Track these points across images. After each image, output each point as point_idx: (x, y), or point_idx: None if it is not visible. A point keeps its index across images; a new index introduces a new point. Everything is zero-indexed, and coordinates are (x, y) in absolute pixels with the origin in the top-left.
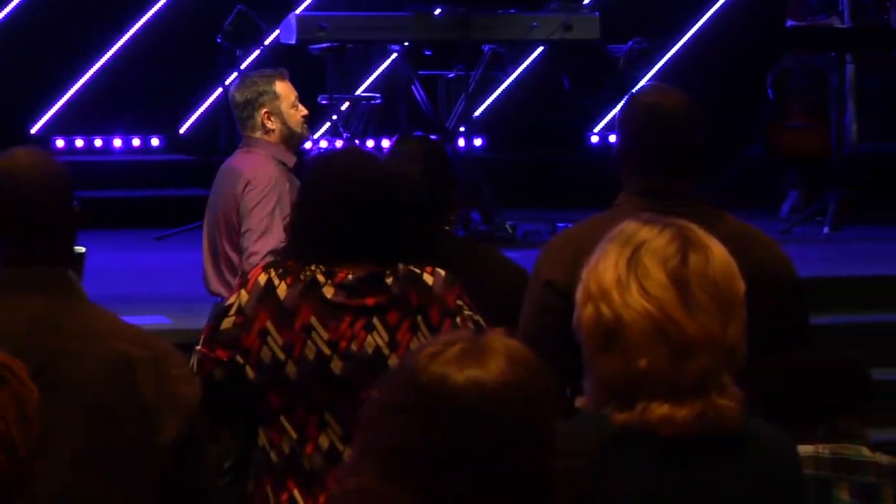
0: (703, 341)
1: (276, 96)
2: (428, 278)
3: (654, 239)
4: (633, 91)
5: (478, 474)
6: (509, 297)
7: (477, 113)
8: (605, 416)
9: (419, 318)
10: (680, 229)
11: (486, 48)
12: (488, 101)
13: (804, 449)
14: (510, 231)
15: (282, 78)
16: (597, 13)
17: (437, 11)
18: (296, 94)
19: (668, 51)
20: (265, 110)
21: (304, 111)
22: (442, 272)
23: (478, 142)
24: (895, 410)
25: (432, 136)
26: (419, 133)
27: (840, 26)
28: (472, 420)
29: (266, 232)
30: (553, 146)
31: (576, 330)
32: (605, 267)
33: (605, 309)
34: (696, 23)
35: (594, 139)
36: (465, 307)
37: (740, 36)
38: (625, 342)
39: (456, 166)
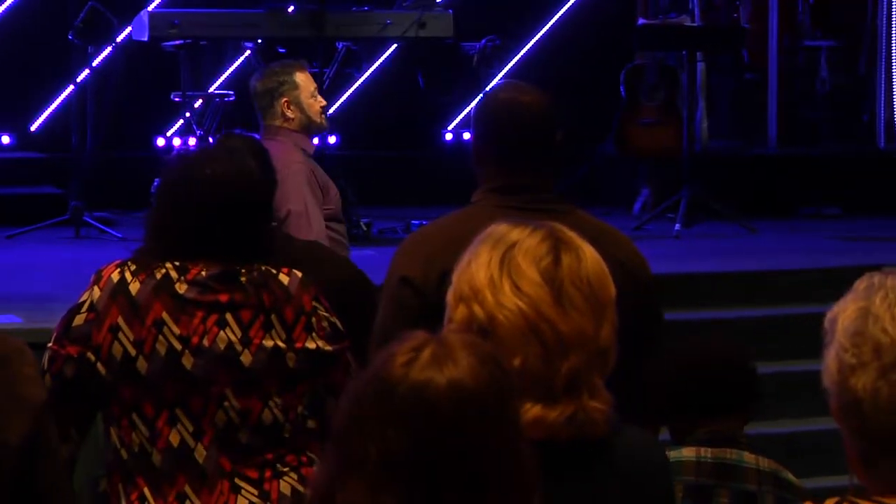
0: (576, 340)
1: (295, 86)
2: (283, 278)
3: (526, 239)
4: (488, 88)
5: (466, 475)
6: (347, 296)
7: (331, 111)
8: None
9: (273, 316)
10: (551, 230)
11: (339, 45)
12: (342, 99)
13: (687, 453)
14: (365, 229)
15: (301, 69)
16: (450, 11)
17: (291, 8)
18: (315, 85)
19: (522, 48)
20: (285, 99)
21: (323, 101)
22: (298, 273)
23: (332, 139)
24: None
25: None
26: (239, 130)
27: (690, 25)
28: (455, 422)
29: (310, 211)
30: (408, 144)
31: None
32: (477, 267)
33: (477, 309)
34: (550, 20)
35: (448, 137)
36: (320, 308)
37: (593, 34)
38: (497, 342)
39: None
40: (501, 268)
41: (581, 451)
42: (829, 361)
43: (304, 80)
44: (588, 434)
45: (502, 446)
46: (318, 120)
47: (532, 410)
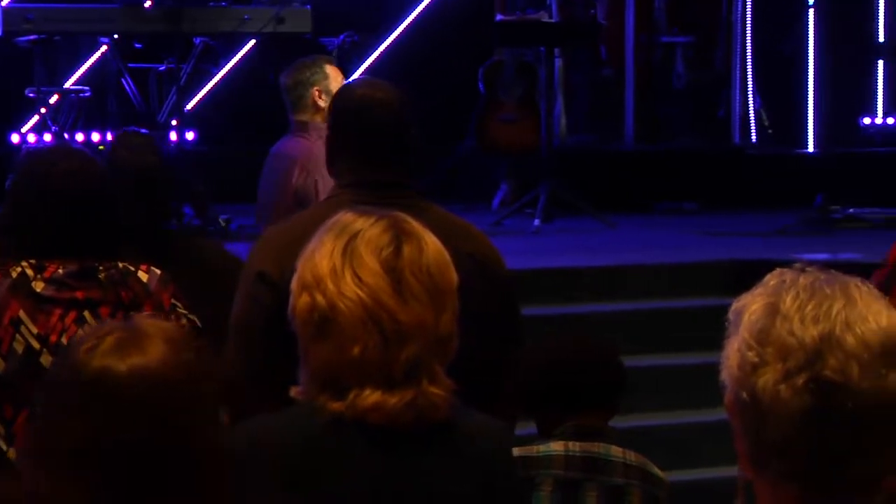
0: (415, 329)
1: (325, 76)
2: (142, 276)
3: (369, 229)
4: (344, 84)
5: (154, 463)
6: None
7: (189, 106)
8: (319, 406)
9: (132, 313)
10: (395, 220)
11: (197, 41)
12: (200, 95)
13: (555, 446)
14: (223, 225)
15: (330, 62)
16: (308, 6)
17: (148, 3)
18: (343, 78)
19: (381, 44)
20: (316, 88)
21: None
22: (157, 271)
23: (190, 135)
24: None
25: (143, 131)
26: (134, 128)
27: (548, 21)
28: (140, 409)
29: None
30: (267, 139)
31: (291, 320)
32: (320, 257)
33: (319, 298)
34: (408, 16)
35: None
36: (179, 306)
37: (451, 30)
38: (338, 330)
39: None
40: (343, 257)
41: (423, 434)
42: (731, 355)
43: (332, 71)
44: (429, 418)
45: (193, 433)
46: None
47: (371, 396)
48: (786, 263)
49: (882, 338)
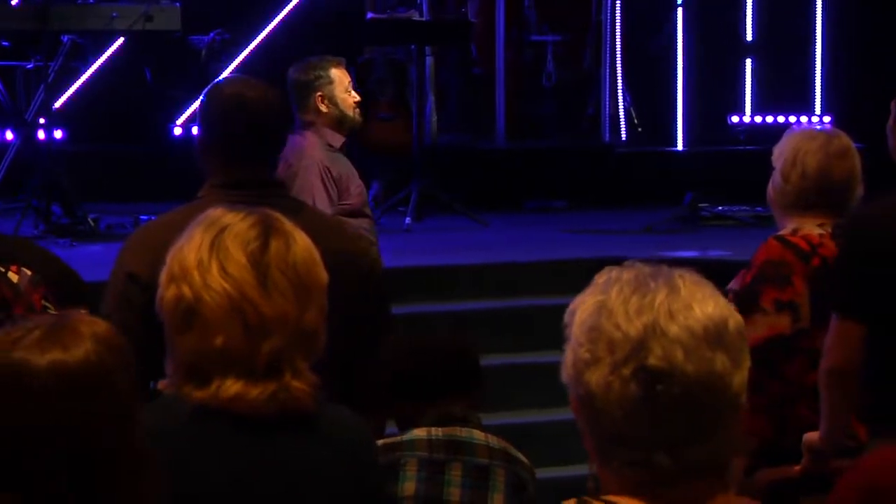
0: (278, 322)
1: (330, 80)
2: (13, 276)
3: (238, 223)
4: (214, 82)
5: (68, 458)
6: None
7: (57, 104)
8: (184, 396)
9: (3, 315)
10: (264, 216)
11: (65, 38)
12: (69, 93)
13: (418, 433)
14: (92, 224)
15: (338, 64)
16: (178, 4)
17: (14, 1)
18: (350, 80)
19: (251, 42)
20: (319, 94)
21: (357, 97)
22: (28, 272)
23: (58, 134)
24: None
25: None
26: None
27: (418, 19)
28: (58, 403)
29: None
30: (136, 138)
31: (158, 312)
32: (188, 249)
33: (185, 289)
34: (279, 14)
35: (178, 131)
36: (50, 308)
37: (322, 28)
38: (203, 321)
39: (37, 158)
40: (211, 250)
41: (286, 424)
42: (567, 356)
43: (339, 75)
44: (292, 409)
45: (106, 432)
46: (352, 114)
47: (234, 387)
48: (655, 261)
49: (706, 323)
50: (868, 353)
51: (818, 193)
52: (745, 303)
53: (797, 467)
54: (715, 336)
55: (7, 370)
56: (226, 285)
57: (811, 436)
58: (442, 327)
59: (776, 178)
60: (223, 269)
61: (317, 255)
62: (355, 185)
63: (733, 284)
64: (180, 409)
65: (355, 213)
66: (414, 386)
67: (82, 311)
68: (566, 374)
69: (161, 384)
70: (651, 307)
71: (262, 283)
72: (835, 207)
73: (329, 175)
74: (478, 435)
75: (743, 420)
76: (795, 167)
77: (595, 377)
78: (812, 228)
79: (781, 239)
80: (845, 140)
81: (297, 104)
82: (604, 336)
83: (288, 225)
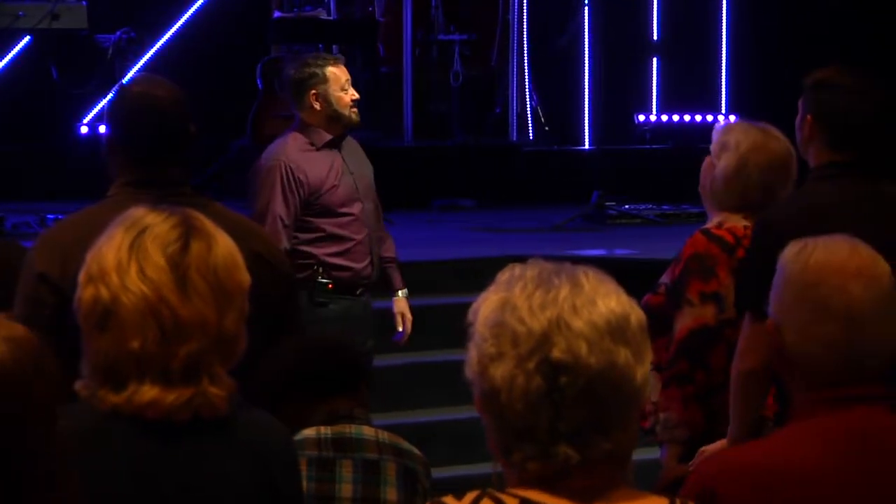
0: (196, 326)
1: (325, 79)
2: None
3: (159, 224)
4: (123, 82)
5: None
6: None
7: None
8: (97, 399)
9: None
10: (186, 217)
11: None
12: None
13: (307, 433)
14: None
15: (335, 62)
16: (84, 2)
17: None
18: (347, 78)
19: (158, 41)
20: (313, 91)
21: (355, 95)
22: None
23: None
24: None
25: None
26: None
27: (326, 18)
28: None
29: (270, 210)
30: (42, 137)
31: (75, 313)
32: (108, 250)
33: (103, 290)
34: (186, 13)
35: (84, 130)
36: None
37: (229, 26)
38: (119, 323)
39: None
40: (130, 251)
41: (200, 430)
42: (471, 352)
43: (334, 73)
44: (206, 415)
45: (26, 433)
46: (347, 113)
47: (149, 392)
48: (559, 259)
49: (608, 317)
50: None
51: (761, 194)
52: (674, 296)
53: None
54: (618, 330)
55: None
56: (143, 287)
57: (709, 447)
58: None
59: (718, 173)
60: (141, 271)
61: (239, 258)
62: (331, 183)
63: (665, 278)
64: (92, 413)
65: (327, 212)
66: (300, 385)
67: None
68: (470, 370)
69: (77, 385)
70: (555, 302)
71: (180, 286)
72: (765, 205)
73: (292, 176)
74: (367, 431)
75: (675, 410)
76: (745, 169)
77: (500, 371)
78: (738, 221)
79: (707, 232)
80: (787, 142)
81: (293, 102)
82: (508, 331)
83: (211, 227)
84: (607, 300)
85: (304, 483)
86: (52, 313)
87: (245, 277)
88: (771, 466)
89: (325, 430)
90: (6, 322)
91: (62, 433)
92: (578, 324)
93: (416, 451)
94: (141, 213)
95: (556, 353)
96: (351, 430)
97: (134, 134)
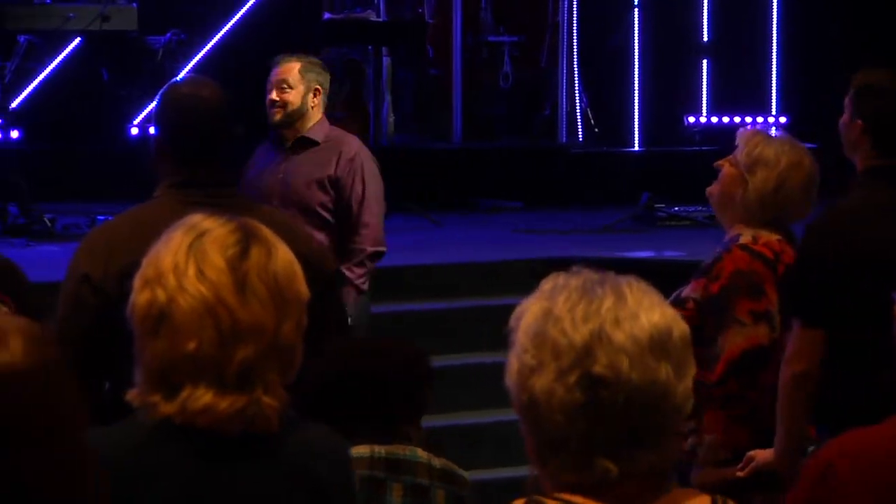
0: (253, 330)
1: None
2: None
3: (218, 228)
4: (170, 82)
5: (13, 459)
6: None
7: (14, 104)
8: (149, 407)
9: None
10: (244, 223)
11: (21, 38)
12: (25, 93)
13: (360, 450)
14: (49, 224)
15: (277, 63)
16: (135, 4)
17: None
18: (277, 78)
19: (208, 42)
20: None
21: (274, 96)
22: None
23: (14, 134)
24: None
25: None
26: None
27: (375, 20)
28: (5, 405)
29: None
30: (93, 138)
31: (129, 316)
32: (165, 252)
33: (159, 292)
34: (235, 15)
35: (134, 131)
36: (2, 308)
37: (279, 28)
38: (175, 325)
39: None
40: (188, 253)
41: (249, 444)
42: (511, 361)
43: (273, 74)
44: (258, 428)
45: (57, 430)
46: (269, 113)
47: (203, 398)
48: (609, 261)
49: (651, 332)
50: (829, 357)
51: (795, 210)
52: (717, 314)
53: (739, 472)
54: (659, 345)
55: None
56: (201, 288)
57: (759, 452)
58: (388, 329)
59: (753, 189)
60: (200, 272)
61: (299, 269)
62: (252, 176)
63: (691, 292)
64: (138, 428)
65: None
66: (361, 392)
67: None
68: (510, 380)
69: (129, 394)
70: (598, 314)
71: (239, 288)
72: (793, 219)
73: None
74: (420, 454)
75: (719, 432)
76: (784, 187)
77: (539, 383)
78: (770, 236)
79: (747, 248)
80: (812, 156)
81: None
82: (549, 342)
83: (270, 235)
84: (650, 313)
85: None
86: (94, 314)
87: (304, 289)
88: (890, 446)
89: (379, 450)
90: (20, 320)
91: (86, 439)
92: (620, 338)
93: (465, 476)
94: (199, 218)
95: (598, 368)
96: (405, 451)
97: (179, 135)
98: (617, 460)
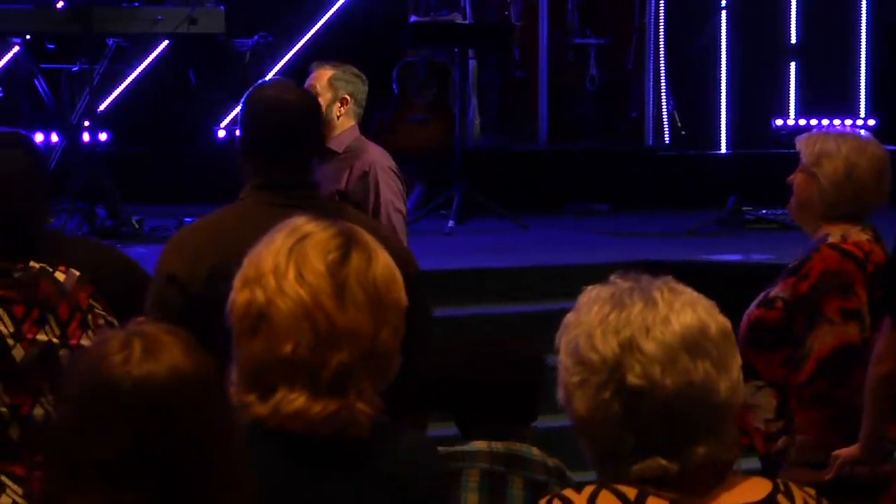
0: (350, 335)
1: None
2: (59, 276)
3: (320, 233)
4: (256, 84)
5: (193, 460)
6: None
7: (102, 107)
8: (242, 408)
9: (47, 312)
10: (346, 228)
11: (110, 42)
12: (114, 95)
13: (479, 445)
14: (137, 226)
15: (311, 70)
16: (222, 7)
17: (60, 4)
18: (307, 84)
19: (294, 45)
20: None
21: None
22: (76, 272)
23: (103, 136)
24: None
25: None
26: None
27: (461, 22)
28: (180, 409)
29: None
30: (179, 140)
31: (227, 315)
32: (266, 254)
33: (259, 293)
34: (322, 17)
35: (221, 133)
36: (97, 307)
37: (365, 30)
38: (273, 326)
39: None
40: (289, 255)
41: (339, 451)
42: (559, 378)
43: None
44: (350, 434)
45: (224, 425)
46: None
47: (297, 401)
48: (696, 264)
49: (683, 334)
50: None
51: (872, 197)
52: (806, 313)
53: (827, 475)
54: (693, 344)
55: (135, 387)
56: (301, 291)
57: (845, 450)
58: (484, 330)
59: (825, 181)
60: (300, 275)
61: (398, 276)
62: None
63: (779, 292)
64: None
65: None
66: (481, 398)
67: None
68: (559, 395)
69: None
70: (627, 324)
71: (338, 293)
72: (872, 210)
73: None
74: (535, 452)
75: (813, 434)
76: (854, 171)
77: (582, 400)
78: (859, 234)
79: (836, 248)
80: (880, 145)
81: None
82: (584, 359)
83: (372, 241)
84: (682, 315)
85: (477, 495)
86: (180, 315)
87: (403, 297)
88: None
89: (497, 445)
90: (170, 327)
91: (240, 434)
92: (651, 346)
93: (573, 477)
94: (301, 221)
95: (631, 379)
96: (521, 448)
97: (264, 137)
98: (673, 458)
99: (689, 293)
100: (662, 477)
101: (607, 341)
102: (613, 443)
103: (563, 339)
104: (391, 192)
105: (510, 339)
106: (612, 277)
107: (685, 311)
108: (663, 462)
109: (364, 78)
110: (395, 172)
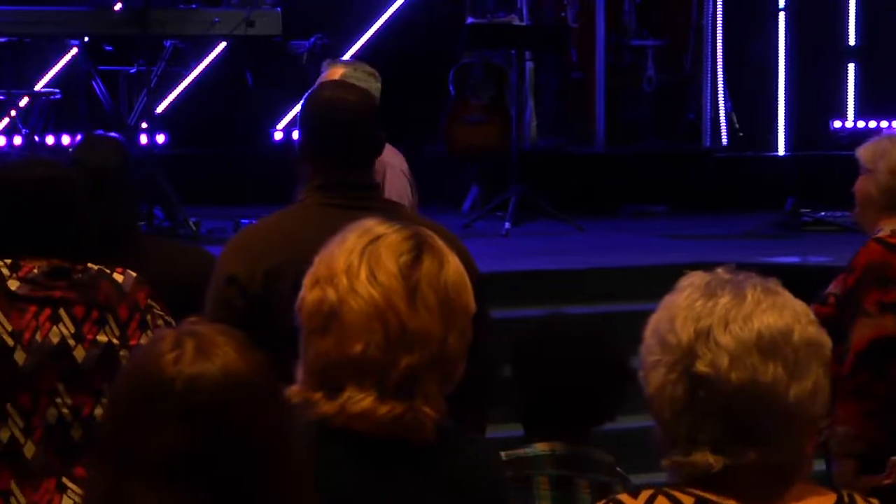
0: (420, 338)
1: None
2: (118, 277)
3: (392, 234)
4: (315, 85)
5: (246, 460)
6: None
7: (159, 109)
8: (308, 405)
9: (107, 313)
10: (418, 232)
11: (167, 43)
12: (171, 97)
13: (542, 448)
14: (194, 228)
15: (322, 68)
16: (279, 9)
17: (118, 6)
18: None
19: (351, 47)
20: None
21: None
22: (133, 273)
23: (160, 138)
24: None
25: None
26: (101, 131)
27: (518, 24)
28: (232, 409)
29: None
30: (237, 142)
31: (297, 313)
32: (339, 253)
33: (330, 292)
34: (378, 19)
35: (278, 135)
36: (155, 307)
37: (422, 32)
38: (344, 326)
39: (138, 162)
40: (362, 256)
41: (404, 452)
42: (642, 358)
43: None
44: (413, 438)
45: (276, 426)
46: None
47: (364, 401)
48: (754, 266)
49: (761, 331)
50: None
51: None
52: (849, 306)
53: (886, 479)
54: (770, 346)
55: (187, 386)
56: (373, 291)
57: None
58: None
59: (880, 176)
60: (372, 276)
61: (468, 281)
62: None
63: (833, 288)
64: (300, 421)
65: None
66: (574, 402)
67: (191, 319)
68: (641, 374)
69: (291, 391)
70: (710, 313)
71: (410, 295)
72: None
73: None
74: (595, 452)
75: (855, 424)
76: None
77: (654, 379)
78: None
79: (882, 241)
80: None
81: None
82: (663, 340)
83: (443, 245)
84: (766, 315)
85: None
86: (240, 316)
87: (472, 301)
88: None
89: (560, 448)
90: (221, 327)
91: (296, 435)
92: (725, 339)
93: (631, 480)
94: (374, 223)
95: (700, 367)
96: (583, 449)
97: (323, 138)
98: (721, 454)
99: (784, 296)
100: (708, 474)
101: (686, 327)
102: (672, 427)
103: (653, 318)
104: (395, 193)
105: (602, 337)
106: (721, 268)
107: (771, 312)
108: (710, 458)
109: (377, 76)
110: (405, 175)
